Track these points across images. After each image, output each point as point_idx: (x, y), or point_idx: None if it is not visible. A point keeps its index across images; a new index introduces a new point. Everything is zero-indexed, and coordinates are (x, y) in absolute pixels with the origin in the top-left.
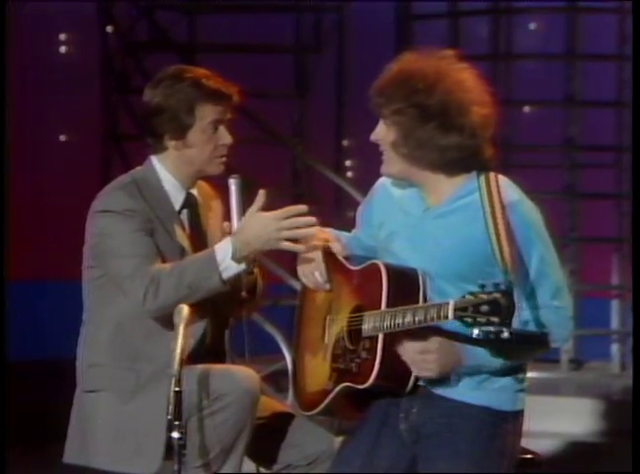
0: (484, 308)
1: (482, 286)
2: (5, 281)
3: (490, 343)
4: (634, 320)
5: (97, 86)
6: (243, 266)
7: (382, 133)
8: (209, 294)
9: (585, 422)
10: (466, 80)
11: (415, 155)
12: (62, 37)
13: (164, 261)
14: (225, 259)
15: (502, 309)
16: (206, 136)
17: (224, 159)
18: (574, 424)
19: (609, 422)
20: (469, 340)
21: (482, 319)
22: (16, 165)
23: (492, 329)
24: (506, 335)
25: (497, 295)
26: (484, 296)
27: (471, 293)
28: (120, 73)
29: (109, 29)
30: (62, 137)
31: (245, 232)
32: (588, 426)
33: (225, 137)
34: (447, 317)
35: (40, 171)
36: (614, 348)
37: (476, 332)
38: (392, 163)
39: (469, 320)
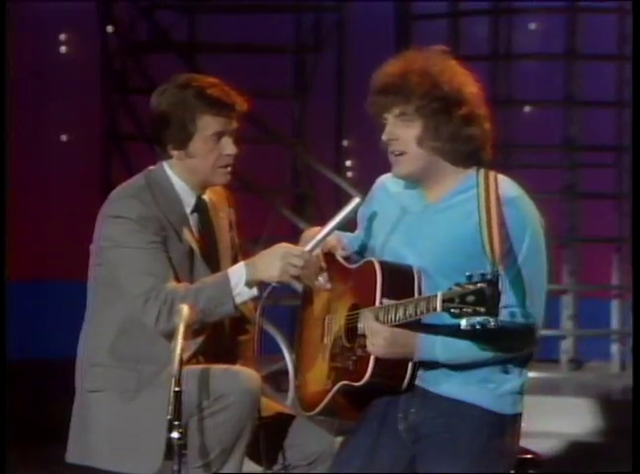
0: (470, 298)
1: (469, 277)
2: (5, 281)
3: (473, 334)
4: (634, 320)
5: (97, 86)
6: (255, 291)
7: (399, 131)
8: (222, 318)
9: (585, 422)
10: (469, 74)
11: (446, 148)
12: (62, 37)
13: (174, 265)
14: (239, 284)
15: (487, 299)
16: (208, 147)
17: (229, 169)
18: (574, 424)
19: (609, 422)
20: (446, 332)
21: (468, 309)
22: (16, 165)
23: (478, 319)
24: (492, 325)
25: (482, 285)
26: (470, 287)
27: (458, 284)
28: (120, 73)
29: (109, 29)
30: (62, 137)
31: (259, 258)
32: (588, 426)
33: (229, 148)
34: (436, 309)
35: (41, 171)
36: (614, 348)
37: (464, 323)
38: (412, 161)
39: (456, 311)
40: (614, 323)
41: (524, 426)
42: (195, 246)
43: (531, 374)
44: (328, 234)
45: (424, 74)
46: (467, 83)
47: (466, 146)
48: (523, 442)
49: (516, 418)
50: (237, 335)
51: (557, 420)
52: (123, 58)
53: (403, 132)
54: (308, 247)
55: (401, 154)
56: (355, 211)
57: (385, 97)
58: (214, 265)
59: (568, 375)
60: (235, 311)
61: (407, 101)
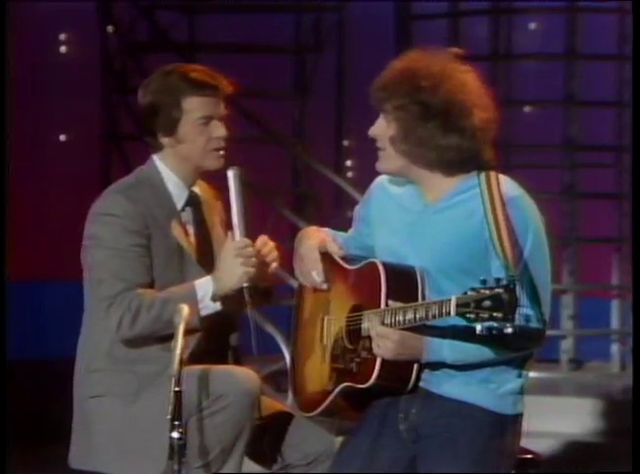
0: (486, 304)
1: (483, 282)
2: (5, 281)
3: (485, 338)
4: (634, 320)
5: (97, 86)
6: (219, 305)
7: (382, 128)
8: (214, 319)
9: (585, 422)
10: (470, 83)
11: (414, 153)
12: (62, 37)
13: (160, 263)
14: (205, 298)
15: (504, 304)
16: (197, 130)
17: (222, 153)
18: (574, 424)
19: (609, 422)
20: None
21: (485, 315)
22: (16, 165)
23: (495, 324)
24: (509, 330)
25: (499, 290)
26: (486, 292)
27: (473, 289)
28: (120, 73)
29: (109, 29)
30: (62, 137)
31: (220, 271)
32: (588, 426)
33: (218, 130)
34: (450, 313)
35: (41, 171)
36: (614, 348)
37: (479, 328)
38: (389, 159)
39: (472, 316)
40: (614, 323)
41: (524, 426)
42: (184, 242)
43: (531, 374)
44: (243, 215)
45: (412, 75)
46: (460, 91)
47: (441, 155)
48: (523, 442)
49: (516, 418)
50: (230, 334)
51: (557, 420)
52: (123, 58)
53: (380, 130)
54: (237, 236)
55: (382, 150)
56: (242, 181)
57: (375, 93)
58: (208, 260)
59: (568, 375)
60: (199, 324)
61: (390, 99)
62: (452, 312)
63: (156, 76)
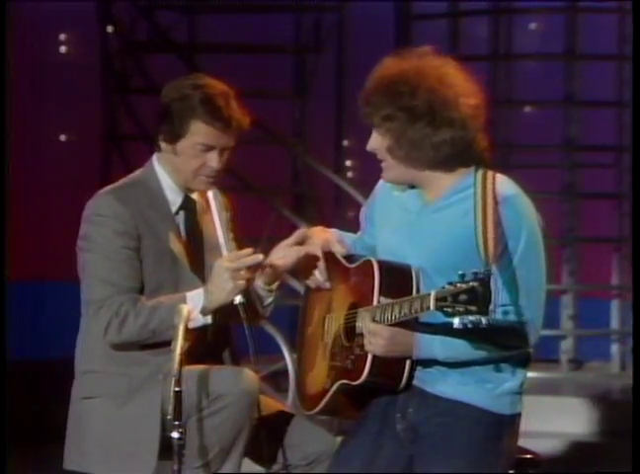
0: (462, 297)
1: (462, 276)
2: (5, 281)
3: (467, 332)
4: (634, 320)
5: (97, 86)
6: (209, 319)
7: (377, 142)
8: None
9: (585, 422)
10: (448, 74)
11: (411, 157)
12: (62, 37)
13: (153, 264)
14: (195, 310)
15: (479, 297)
16: (194, 152)
17: (211, 180)
18: (574, 424)
19: (609, 422)
20: (445, 331)
21: (461, 308)
22: (16, 165)
23: (470, 318)
24: (484, 323)
25: (474, 284)
26: (462, 286)
27: (450, 283)
28: (120, 73)
29: (109, 29)
30: (62, 137)
31: (211, 285)
32: (588, 426)
33: (213, 161)
34: (430, 308)
35: (41, 171)
36: (614, 348)
37: (456, 322)
38: (392, 169)
39: (449, 310)
40: (614, 323)
41: (524, 426)
42: (176, 245)
43: (531, 374)
44: (227, 233)
45: (389, 84)
46: (440, 86)
47: (437, 152)
48: (523, 442)
49: (514, 418)
50: (226, 335)
51: (557, 420)
52: (123, 58)
53: (376, 143)
54: (225, 251)
55: (383, 161)
56: (221, 201)
57: (363, 109)
58: (199, 263)
59: (568, 375)
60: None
61: (376, 112)
62: (432, 306)
63: (184, 82)
